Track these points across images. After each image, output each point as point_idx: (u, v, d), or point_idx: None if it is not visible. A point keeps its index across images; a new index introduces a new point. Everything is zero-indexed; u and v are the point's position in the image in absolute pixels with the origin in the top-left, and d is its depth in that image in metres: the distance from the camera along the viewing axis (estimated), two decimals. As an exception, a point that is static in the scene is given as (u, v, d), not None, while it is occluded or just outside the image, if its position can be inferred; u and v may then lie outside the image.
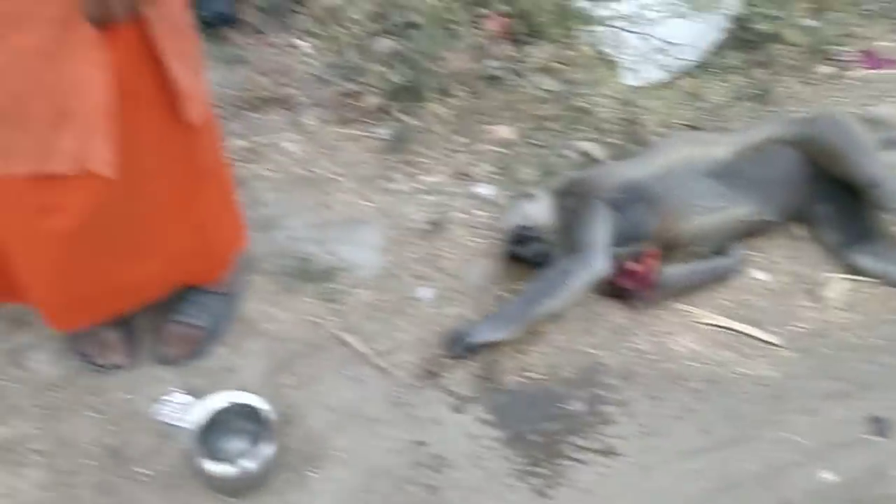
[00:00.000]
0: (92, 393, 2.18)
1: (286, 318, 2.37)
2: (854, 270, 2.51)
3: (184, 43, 1.80)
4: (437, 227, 2.64)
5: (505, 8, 3.23)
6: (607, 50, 3.12)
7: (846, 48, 3.30)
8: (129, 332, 2.25)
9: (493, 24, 3.23)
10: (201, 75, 1.89)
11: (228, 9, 3.33)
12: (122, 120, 1.69)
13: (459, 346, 2.28)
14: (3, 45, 1.60)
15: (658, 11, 3.07)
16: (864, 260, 2.51)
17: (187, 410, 2.08)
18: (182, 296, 2.26)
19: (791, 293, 2.47)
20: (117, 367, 2.19)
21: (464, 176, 2.81)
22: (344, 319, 2.38)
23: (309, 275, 2.47)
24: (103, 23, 1.59)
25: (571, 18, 3.15)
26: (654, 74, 3.06)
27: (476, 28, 3.05)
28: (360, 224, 2.66)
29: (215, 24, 3.33)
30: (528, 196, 2.54)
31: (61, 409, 2.14)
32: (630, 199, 2.43)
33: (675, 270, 2.43)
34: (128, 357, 2.21)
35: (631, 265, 2.39)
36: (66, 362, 2.22)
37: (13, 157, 1.69)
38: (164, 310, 2.26)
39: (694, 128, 2.91)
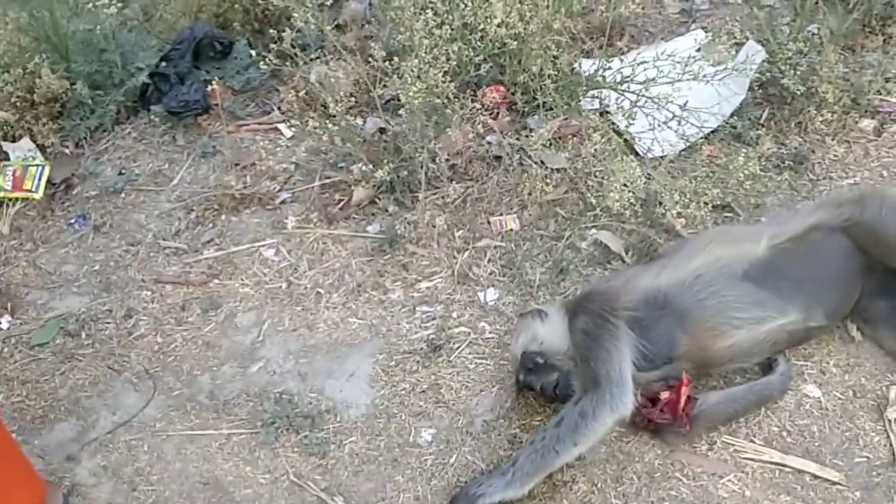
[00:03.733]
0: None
1: (264, 479, 2.06)
2: (923, 377, 2.15)
3: None
4: (436, 348, 2.31)
5: (500, 79, 2.91)
6: (618, 120, 2.78)
7: (887, 97, 2.93)
8: None
9: (490, 97, 2.91)
10: None
11: (198, 95, 3.03)
12: None
13: (468, 509, 1.95)
14: None
15: (674, 76, 2.72)
16: (934, 364, 2.14)
17: None
18: None
19: (851, 412, 2.11)
20: None
21: (465, 279, 2.49)
22: (331, 476, 2.07)
23: (290, 422, 2.15)
24: None
25: (575, 85, 2.81)
26: (671, 145, 2.70)
27: (471, 103, 2.71)
28: (348, 348, 2.34)
29: (184, 113, 3.03)
30: (538, 314, 2.20)
31: None
32: (654, 315, 2.09)
33: (713, 396, 2.09)
34: None
35: (661, 394, 2.05)
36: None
37: None
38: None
39: (723, 207, 2.55)
